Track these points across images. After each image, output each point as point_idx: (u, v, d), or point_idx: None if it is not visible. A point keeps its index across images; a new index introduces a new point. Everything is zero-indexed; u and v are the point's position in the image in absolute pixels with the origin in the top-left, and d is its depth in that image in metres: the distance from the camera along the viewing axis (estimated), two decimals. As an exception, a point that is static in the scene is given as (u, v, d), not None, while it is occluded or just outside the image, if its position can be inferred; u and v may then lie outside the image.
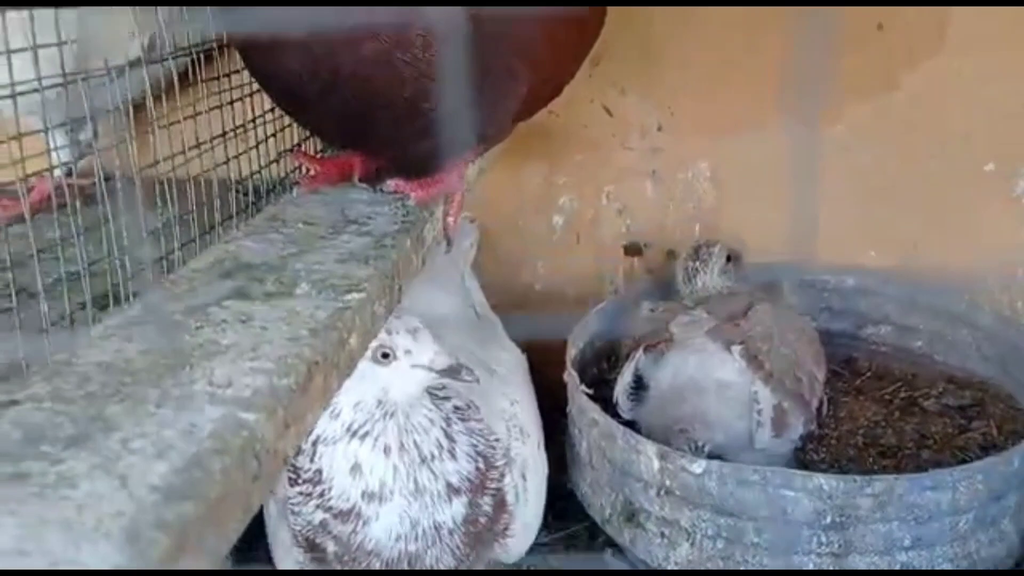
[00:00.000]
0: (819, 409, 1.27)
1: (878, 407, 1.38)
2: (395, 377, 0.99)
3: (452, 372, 1.00)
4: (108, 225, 0.82)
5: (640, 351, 1.22)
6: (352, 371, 0.68)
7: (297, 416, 0.55)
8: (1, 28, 0.71)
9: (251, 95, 1.06)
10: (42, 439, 0.49)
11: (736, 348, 1.18)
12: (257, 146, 1.08)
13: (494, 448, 1.03)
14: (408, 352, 0.99)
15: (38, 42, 0.71)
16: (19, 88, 0.73)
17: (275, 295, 0.70)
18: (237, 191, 1.04)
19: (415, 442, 1.00)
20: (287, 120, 1.15)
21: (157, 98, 0.89)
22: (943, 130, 1.42)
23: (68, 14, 0.77)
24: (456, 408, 1.05)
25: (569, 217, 1.54)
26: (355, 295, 0.70)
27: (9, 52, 0.70)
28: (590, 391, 1.19)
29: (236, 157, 1.03)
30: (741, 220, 1.49)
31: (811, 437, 1.26)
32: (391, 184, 0.99)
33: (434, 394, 1.04)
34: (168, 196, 0.91)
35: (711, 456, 1.10)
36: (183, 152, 0.93)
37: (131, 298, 0.83)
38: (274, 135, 1.13)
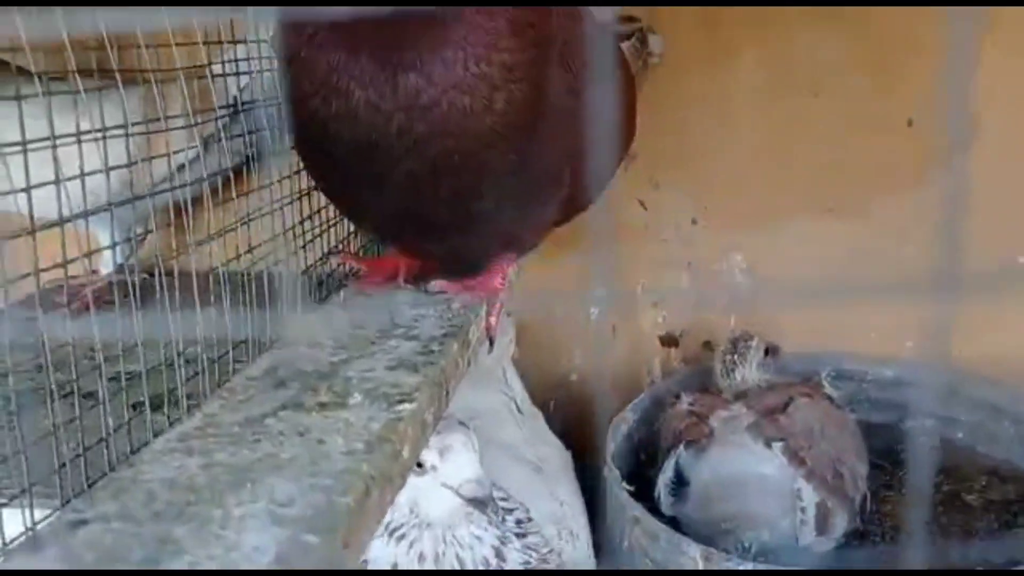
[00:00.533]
0: (862, 505, 1.26)
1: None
2: (425, 490, 0.97)
3: (479, 504, 0.95)
4: (161, 324, 0.84)
5: (681, 446, 1.22)
6: (405, 482, 0.69)
7: (356, 533, 0.56)
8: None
9: (300, 197, 1.10)
10: (114, 562, 0.50)
11: (777, 445, 1.18)
12: (304, 246, 1.11)
13: (547, 561, 1.00)
14: (435, 468, 0.96)
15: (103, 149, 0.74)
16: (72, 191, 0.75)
17: (329, 405, 0.72)
18: (281, 288, 1.06)
19: (456, 555, 0.97)
20: (330, 219, 1.19)
21: (211, 194, 0.93)
22: (977, 222, 1.42)
23: (132, 117, 0.80)
24: (518, 522, 1.02)
25: (605, 308, 1.55)
26: (407, 405, 0.72)
27: (79, 139, 0.74)
28: (631, 488, 1.19)
29: (285, 259, 1.06)
30: (777, 310, 1.49)
31: (854, 533, 1.24)
32: (436, 285, 1.01)
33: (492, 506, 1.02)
34: (220, 294, 0.94)
35: (756, 555, 1.09)
36: (236, 256, 0.96)
37: (186, 403, 0.85)
38: (320, 235, 1.17)
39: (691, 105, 1.44)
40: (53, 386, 0.67)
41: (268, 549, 0.51)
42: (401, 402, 0.72)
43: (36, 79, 0.71)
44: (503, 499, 1.03)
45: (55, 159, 0.68)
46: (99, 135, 0.75)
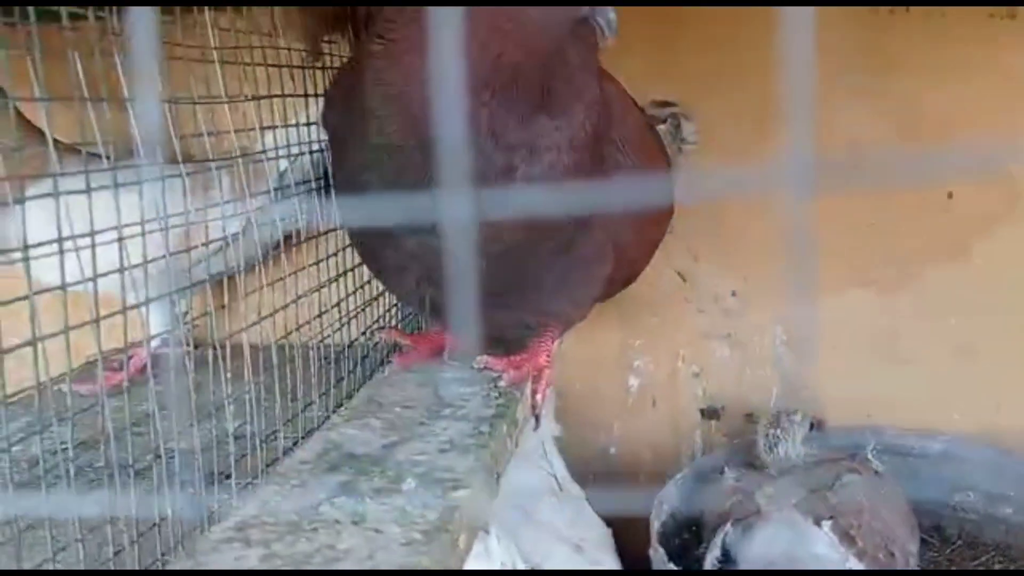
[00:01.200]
0: (915, 585, 1.23)
1: (971, 581, 1.32)
2: None
3: None
4: (205, 397, 0.85)
5: (728, 524, 1.20)
6: (461, 571, 0.69)
7: (419, 631, 0.56)
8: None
9: (343, 274, 1.11)
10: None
11: (827, 523, 1.15)
12: (349, 321, 1.12)
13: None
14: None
15: (145, 223, 0.76)
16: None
17: (383, 491, 0.71)
18: (328, 363, 1.07)
19: None
20: (374, 292, 1.20)
21: (251, 271, 0.95)
22: (1020, 293, 1.42)
23: (174, 196, 0.82)
24: None
25: (644, 380, 1.54)
26: (461, 492, 0.71)
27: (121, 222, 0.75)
28: (678, 569, 1.17)
29: (331, 334, 1.07)
30: (819, 383, 1.48)
31: (908, 614, 1.20)
32: (482, 361, 1.01)
33: None
34: (268, 368, 0.95)
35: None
36: (286, 333, 0.97)
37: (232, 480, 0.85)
38: (363, 309, 1.17)
39: (730, 190, 1.45)
40: (114, 470, 0.67)
41: (333, 649, 0.50)
42: (455, 488, 0.72)
43: (104, 161, 0.72)
44: None
45: (120, 245, 0.69)
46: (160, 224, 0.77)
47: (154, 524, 0.75)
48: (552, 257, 0.88)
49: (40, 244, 0.64)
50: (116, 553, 0.69)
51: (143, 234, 0.75)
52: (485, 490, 0.77)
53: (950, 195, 1.41)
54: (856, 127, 1.40)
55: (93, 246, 0.67)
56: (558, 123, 0.78)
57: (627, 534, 1.29)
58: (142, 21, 0.30)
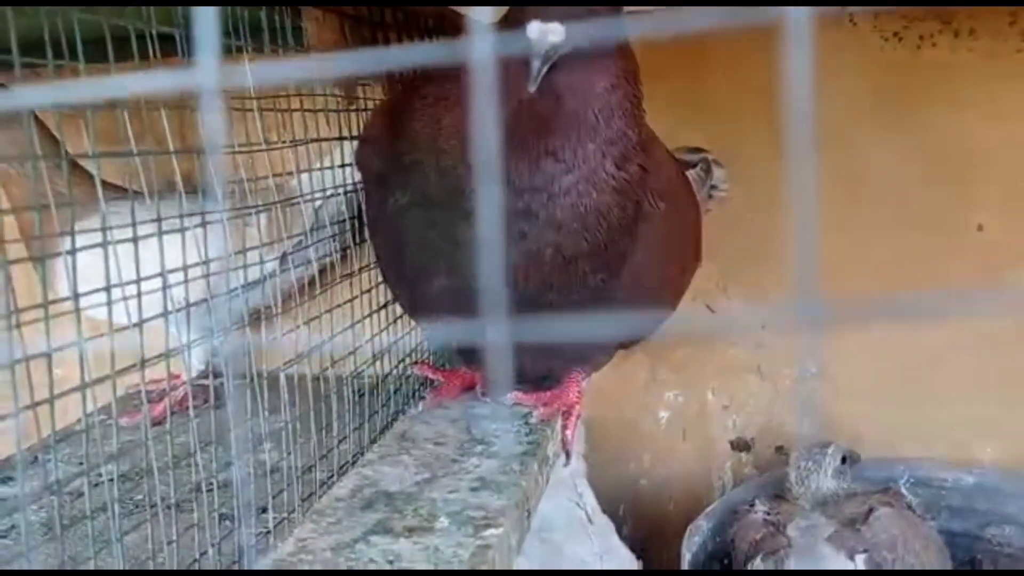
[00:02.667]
0: (950, 621, 1.22)
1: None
2: None
3: None
4: (242, 431, 0.87)
5: (759, 558, 1.20)
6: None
7: (453, 672, 0.57)
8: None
9: (377, 311, 1.13)
10: None
11: (860, 556, 1.15)
12: (382, 356, 1.14)
13: None
14: None
15: (186, 260, 0.78)
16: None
17: (416, 530, 0.73)
18: (362, 396, 1.09)
19: None
20: (406, 328, 1.22)
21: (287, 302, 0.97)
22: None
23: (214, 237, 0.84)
24: None
25: (675, 412, 1.55)
26: (493, 531, 0.73)
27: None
28: (693, 570, 1.17)
29: (364, 368, 1.08)
30: (851, 415, 1.47)
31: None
32: (512, 398, 1.03)
33: None
34: (303, 402, 0.97)
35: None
36: (321, 368, 0.99)
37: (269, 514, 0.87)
38: (395, 344, 1.19)
39: (759, 208, 1.46)
40: (156, 506, 0.69)
41: None
42: (487, 527, 0.73)
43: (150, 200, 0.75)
44: None
45: (164, 291, 0.72)
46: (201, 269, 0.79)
47: (194, 560, 0.77)
48: (588, 282, 0.89)
49: (89, 292, 0.66)
50: (158, 590, 0.71)
51: (186, 280, 0.78)
52: (517, 528, 0.78)
53: (980, 227, 1.41)
54: (883, 165, 1.40)
55: (139, 294, 0.69)
56: (568, 164, 0.79)
57: (657, 566, 1.29)
58: (207, 65, 0.32)
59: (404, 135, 0.86)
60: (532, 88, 0.72)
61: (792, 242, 0.37)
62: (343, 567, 0.67)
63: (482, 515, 0.75)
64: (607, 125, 0.80)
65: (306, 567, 0.67)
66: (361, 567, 0.66)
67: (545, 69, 0.72)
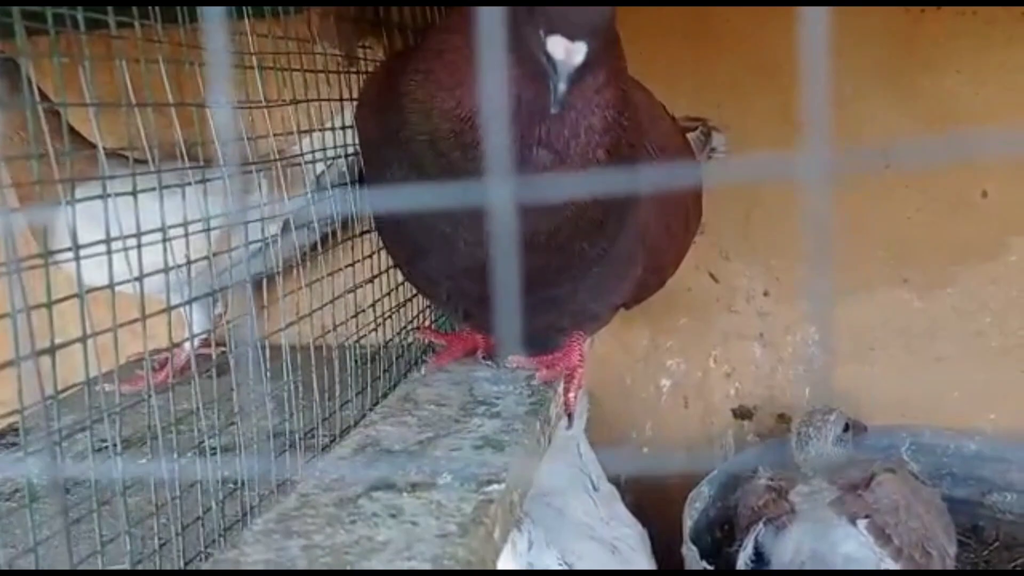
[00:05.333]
0: (951, 585, 1.22)
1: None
2: None
3: None
4: (244, 396, 0.87)
5: (761, 523, 1.20)
6: (496, 564, 0.70)
7: (456, 619, 0.57)
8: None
9: (378, 275, 1.13)
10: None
11: (862, 522, 1.15)
12: (384, 322, 1.14)
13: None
14: None
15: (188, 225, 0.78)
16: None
17: (419, 485, 0.73)
18: (364, 363, 1.09)
19: None
20: (407, 294, 1.21)
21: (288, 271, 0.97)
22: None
23: (215, 199, 0.84)
24: None
25: (677, 380, 1.55)
26: (495, 486, 0.72)
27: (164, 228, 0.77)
28: (711, 567, 1.17)
29: (366, 334, 1.09)
30: (852, 382, 1.47)
31: (945, 615, 1.20)
32: (514, 361, 1.02)
33: None
34: (305, 368, 0.97)
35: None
36: (323, 333, 0.99)
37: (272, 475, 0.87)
38: (397, 310, 1.19)
39: (763, 181, 1.45)
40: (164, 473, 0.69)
41: (373, 634, 0.51)
42: (490, 483, 0.73)
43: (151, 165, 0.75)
44: None
45: (165, 247, 0.71)
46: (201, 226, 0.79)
47: (197, 518, 0.77)
48: (586, 257, 0.88)
49: (89, 244, 0.66)
50: (161, 545, 0.72)
51: (186, 235, 0.78)
52: (519, 485, 0.78)
53: (984, 194, 1.40)
54: (887, 128, 1.39)
55: (139, 246, 0.69)
56: (562, 155, 0.78)
57: (660, 533, 1.29)
58: (215, 26, 0.31)
59: (396, 109, 0.85)
60: (555, 110, 0.70)
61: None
62: (346, 521, 0.66)
63: (485, 471, 0.75)
64: (600, 117, 0.78)
65: (309, 520, 0.67)
66: (364, 520, 0.66)
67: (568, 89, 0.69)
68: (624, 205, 0.86)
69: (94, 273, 0.68)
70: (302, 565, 0.60)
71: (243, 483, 0.83)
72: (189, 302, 0.77)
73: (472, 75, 0.75)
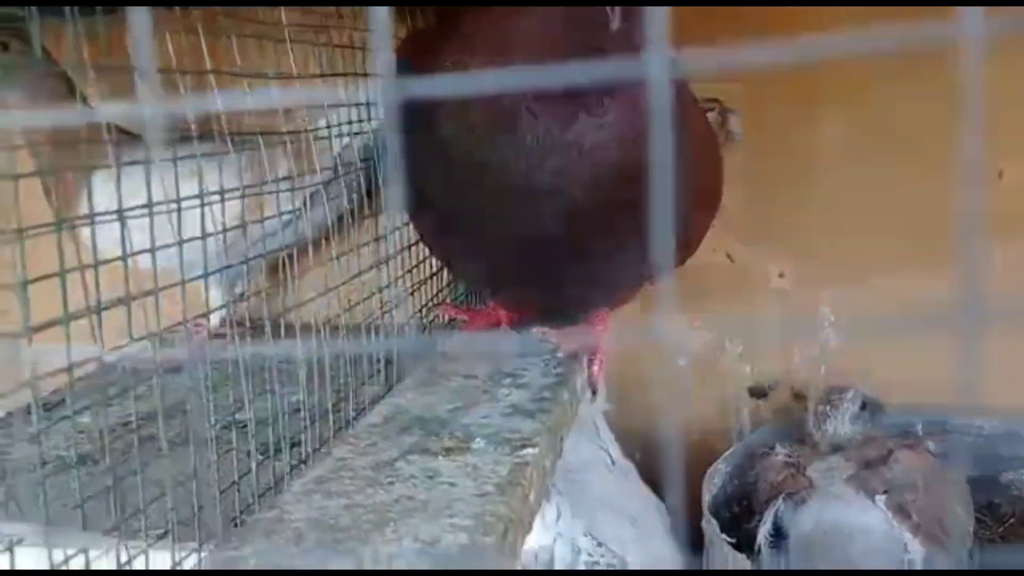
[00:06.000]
0: (970, 560, 1.23)
1: (1028, 558, 1.32)
2: None
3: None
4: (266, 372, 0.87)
5: (780, 498, 1.21)
6: (532, 527, 0.71)
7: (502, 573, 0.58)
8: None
9: (401, 251, 1.14)
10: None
11: (880, 497, 1.16)
12: (406, 299, 1.15)
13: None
14: None
15: (207, 200, 0.78)
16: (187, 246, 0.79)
17: (454, 450, 0.74)
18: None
19: None
20: (430, 270, 1.22)
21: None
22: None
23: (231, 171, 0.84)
24: None
25: (692, 359, 1.55)
26: (530, 450, 0.73)
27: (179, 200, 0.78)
28: (732, 540, 1.18)
29: (389, 310, 1.09)
30: (868, 362, 1.48)
31: (963, 590, 1.21)
32: (538, 333, 1.03)
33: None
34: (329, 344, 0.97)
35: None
36: (349, 307, 1.00)
37: (309, 449, 0.88)
38: (419, 288, 1.20)
39: (778, 156, 1.46)
40: (202, 432, 0.70)
41: (422, 585, 0.52)
42: (524, 447, 0.74)
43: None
44: (602, 558, 1.04)
45: (178, 220, 0.72)
46: (216, 198, 0.79)
47: (233, 482, 0.78)
48: (622, 229, 0.89)
49: (103, 213, 0.66)
50: (200, 508, 0.72)
51: (202, 205, 0.78)
52: (550, 452, 0.79)
53: (1000, 174, 1.41)
54: (906, 113, 1.40)
55: (151, 214, 0.69)
56: (603, 120, 0.78)
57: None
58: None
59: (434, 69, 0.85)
60: (615, 25, 0.72)
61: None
62: (384, 483, 0.67)
63: (517, 436, 0.76)
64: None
65: (347, 482, 0.67)
66: (402, 482, 0.67)
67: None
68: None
69: (112, 251, 0.68)
70: (345, 523, 0.61)
71: (276, 451, 0.84)
72: (206, 274, 0.78)
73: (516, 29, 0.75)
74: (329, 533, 0.59)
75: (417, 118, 0.88)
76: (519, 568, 0.81)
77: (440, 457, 0.72)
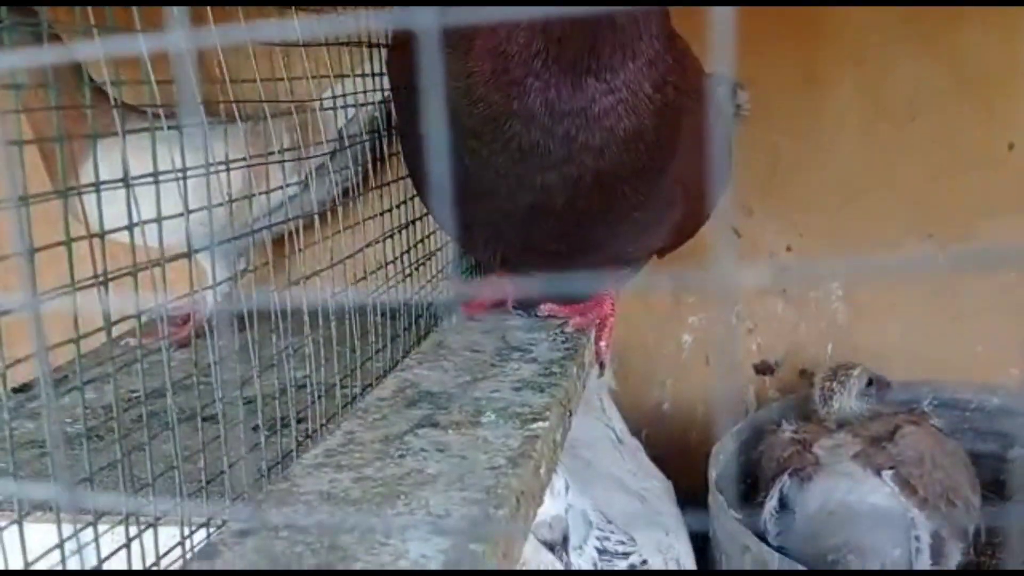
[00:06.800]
0: (976, 535, 1.23)
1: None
2: None
3: (547, 546, 0.97)
4: (269, 350, 0.86)
5: (785, 475, 1.20)
6: (543, 501, 0.70)
7: (513, 545, 0.57)
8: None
9: (407, 225, 1.13)
10: (288, 568, 0.51)
11: (887, 473, 1.15)
12: (412, 273, 1.14)
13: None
14: None
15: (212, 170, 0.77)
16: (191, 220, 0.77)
17: (464, 423, 0.73)
18: (395, 316, 1.09)
19: None
20: (437, 244, 1.21)
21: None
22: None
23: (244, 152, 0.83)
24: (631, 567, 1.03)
25: (698, 336, 1.55)
26: (540, 424, 0.73)
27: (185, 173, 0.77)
28: (739, 516, 1.18)
29: (395, 285, 1.08)
30: (875, 338, 1.47)
31: (968, 565, 1.21)
32: (546, 309, 1.03)
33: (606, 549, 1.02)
34: (335, 320, 0.97)
35: (869, 586, 1.07)
36: (355, 281, 0.99)
37: (321, 420, 0.88)
38: (423, 263, 1.19)
39: (785, 130, 1.44)
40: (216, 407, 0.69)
41: (435, 557, 0.52)
42: (534, 420, 0.73)
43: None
44: (612, 534, 1.04)
45: (184, 193, 0.71)
46: (218, 170, 0.78)
47: (241, 457, 0.77)
48: (628, 201, 0.88)
49: (106, 182, 0.65)
50: (209, 481, 0.72)
51: (207, 174, 0.76)
52: (560, 425, 0.78)
53: (1011, 146, 1.40)
54: (913, 84, 1.38)
55: (156, 182, 0.68)
56: (611, 85, 0.77)
57: (683, 486, 1.30)
58: None
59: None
60: None
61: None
62: (395, 456, 0.67)
63: (528, 410, 0.75)
64: (649, 46, 0.78)
65: (357, 456, 0.67)
66: (412, 455, 0.66)
67: None
68: (666, 148, 0.85)
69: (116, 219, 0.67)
70: (356, 496, 0.60)
71: (282, 426, 0.84)
72: (212, 246, 0.77)
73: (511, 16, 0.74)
74: (340, 506, 0.59)
75: (417, 90, 0.87)
76: (529, 538, 0.81)
77: (450, 431, 0.71)
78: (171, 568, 0.67)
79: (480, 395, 0.80)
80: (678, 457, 1.50)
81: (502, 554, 0.55)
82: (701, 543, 1.26)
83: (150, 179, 0.68)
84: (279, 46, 0.93)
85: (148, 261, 0.67)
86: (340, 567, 0.51)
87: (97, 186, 0.65)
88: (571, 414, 0.84)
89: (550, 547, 0.95)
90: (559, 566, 0.95)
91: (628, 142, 0.80)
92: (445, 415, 0.75)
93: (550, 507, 0.96)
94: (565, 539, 0.96)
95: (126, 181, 0.66)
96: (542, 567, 0.95)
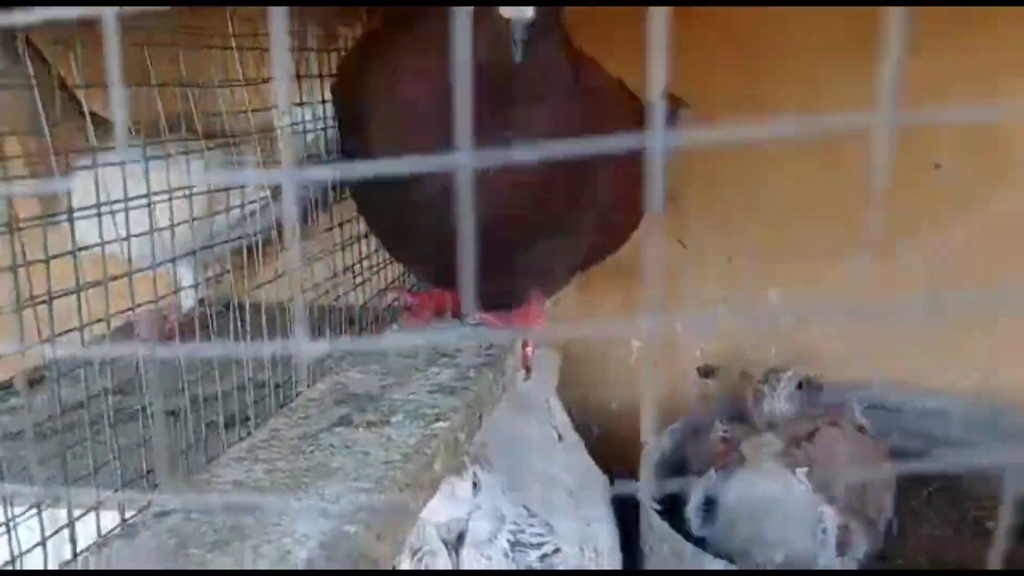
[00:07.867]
0: (887, 528, 1.32)
1: (945, 528, 1.41)
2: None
3: (444, 544, 1.08)
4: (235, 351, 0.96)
5: (712, 470, 1.30)
6: (436, 491, 0.80)
7: (388, 528, 0.67)
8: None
9: (357, 239, 1.22)
10: (191, 544, 0.61)
11: (801, 470, 1.24)
12: (363, 283, 1.23)
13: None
14: None
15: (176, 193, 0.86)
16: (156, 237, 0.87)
17: (375, 423, 0.83)
18: (345, 321, 1.18)
19: None
20: (383, 260, 1.31)
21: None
22: (1018, 255, 1.48)
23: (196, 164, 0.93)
24: (543, 557, 1.13)
25: (646, 340, 1.64)
26: (441, 424, 0.82)
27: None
28: (660, 507, 1.27)
29: (343, 295, 1.18)
30: (815, 343, 1.56)
31: (877, 555, 1.30)
32: (478, 317, 1.13)
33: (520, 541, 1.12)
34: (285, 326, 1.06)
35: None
36: (314, 289, 1.09)
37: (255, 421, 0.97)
38: (376, 274, 1.29)
39: (726, 147, 1.53)
40: (147, 406, 0.79)
41: (314, 535, 0.62)
42: (437, 421, 0.83)
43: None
44: (530, 527, 1.13)
45: (150, 212, 0.81)
46: (185, 192, 0.88)
47: (182, 451, 0.87)
48: (546, 225, 0.97)
49: (83, 208, 0.75)
50: (148, 472, 0.82)
51: (170, 199, 0.87)
52: (466, 426, 0.88)
53: (937, 166, 1.48)
54: (844, 105, 1.47)
55: (127, 209, 0.78)
56: (530, 115, 0.85)
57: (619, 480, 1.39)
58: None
59: (362, 91, 0.93)
60: (518, 59, 0.78)
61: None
62: (307, 451, 0.77)
63: (434, 412, 0.85)
64: (557, 75, 0.87)
65: (275, 450, 0.77)
66: (322, 451, 0.77)
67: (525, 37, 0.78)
68: (583, 174, 0.94)
69: (89, 238, 0.77)
70: (265, 485, 0.70)
71: (226, 425, 0.93)
72: (175, 258, 0.87)
73: (434, 55, 0.83)
74: (248, 493, 0.69)
75: (358, 119, 0.97)
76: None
77: (360, 429, 0.81)
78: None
79: (399, 397, 0.90)
80: (623, 455, 1.60)
81: (376, 535, 0.65)
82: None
83: (129, 201, 0.78)
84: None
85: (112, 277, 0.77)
86: (236, 543, 0.61)
87: (70, 216, 0.74)
88: (480, 416, 0.93)
89: (446, 544, 1.06)
90: (451, 564, 1.06)
91: (541, 174, 0.89)
92: (361, 415, 0.85)
93: (452, 510, 1.06)
94: (460, 537, 1.06)
95: (98, 208, 0.76)
96: (439, 563, 1.06)
